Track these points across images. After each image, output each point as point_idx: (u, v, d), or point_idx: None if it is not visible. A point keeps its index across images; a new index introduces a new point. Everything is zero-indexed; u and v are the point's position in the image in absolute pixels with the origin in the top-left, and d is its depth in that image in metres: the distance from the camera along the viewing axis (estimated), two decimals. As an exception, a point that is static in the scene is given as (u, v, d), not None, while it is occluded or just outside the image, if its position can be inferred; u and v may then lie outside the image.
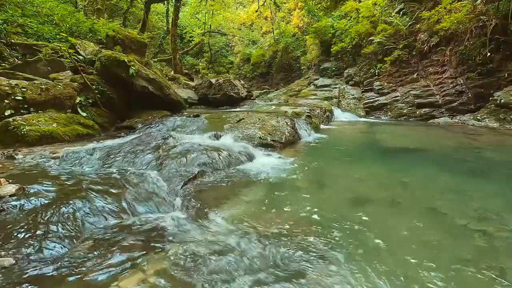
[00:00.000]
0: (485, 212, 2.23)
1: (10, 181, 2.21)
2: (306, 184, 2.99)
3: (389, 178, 3.16)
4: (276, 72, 17.87)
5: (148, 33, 16.71)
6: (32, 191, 2.08)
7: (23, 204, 1.90)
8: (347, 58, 12.50)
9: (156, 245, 1.69)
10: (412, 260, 1.61)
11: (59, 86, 4.86)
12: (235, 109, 8.49)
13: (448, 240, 1.85)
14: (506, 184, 2.93)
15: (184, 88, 10.54)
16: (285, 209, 2.32)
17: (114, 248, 1.63)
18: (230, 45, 23.43)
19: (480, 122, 7.06)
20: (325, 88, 12.10)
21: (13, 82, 4.42)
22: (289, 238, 1.83)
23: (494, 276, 1.49)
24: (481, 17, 7.35)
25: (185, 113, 6.53)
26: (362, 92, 10.68)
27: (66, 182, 2.35)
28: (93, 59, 6.15)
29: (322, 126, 6.93)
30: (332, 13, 14.00)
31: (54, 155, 3.30)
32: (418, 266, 1.56)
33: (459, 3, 8.00)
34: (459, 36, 7.93)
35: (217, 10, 19.43)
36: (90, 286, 1.32)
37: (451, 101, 8.16)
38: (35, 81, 4.96)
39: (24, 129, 3.83)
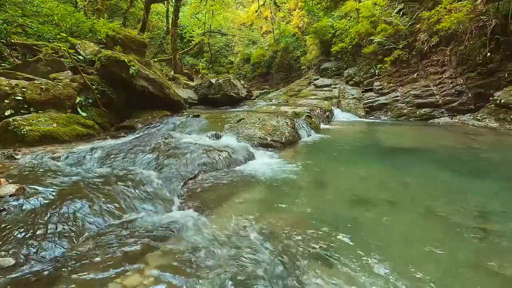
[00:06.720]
0: (485, 212, 2.23)
1: (10, 181, 2.21)
2: (306, 183, 2.99)
3: (389, 178, 3.16)
4: (276, 72, 17.84)
5: (148, 33, 16.67)
6: (32, 191, 2.08)
7: (23, 204, 1.90)
8: (347, 58, 12.50)
9: (157, 243, 1.69)
10: (412, 259, 1.61)
11: (59, 86, 4.86)
12: (235, 109, 8.49)
13: (447, 240, 1.85)
14: (506, 184, 2.93)
15: (184, 88, 10.52)
16: (285, 208, 2.32)
17: (115, 247, 1.63)
18: (230, 45, 23.41)
19: (480, 122, 7.05)
20: (325, 88, 12.08)
21: (13, 82, 4.42)
22: (289, 237, 1.83)
23: (493, 276, 1.49)
24: (481, 17, 7.34)
25: (185, 113, 6.52)
26: (362, 92, 10.67)
27: (66, 182, 2.36)
28: (93, 59, 6.15)
29: (322, 126, 6.93)
30: (332, 13, 14.00)
31: (54, 155, 3.30)
32: (418, 265, 1.56)
33: (459, 3, 8.00)
34: (459, 36, 7.93)
35: (217, 10, 19.41)
36: (92, 286, 1.32)
37: (451, 101, 8.16)
38: (35, 81, 4.96)
39: (24, 129, 3.83)
